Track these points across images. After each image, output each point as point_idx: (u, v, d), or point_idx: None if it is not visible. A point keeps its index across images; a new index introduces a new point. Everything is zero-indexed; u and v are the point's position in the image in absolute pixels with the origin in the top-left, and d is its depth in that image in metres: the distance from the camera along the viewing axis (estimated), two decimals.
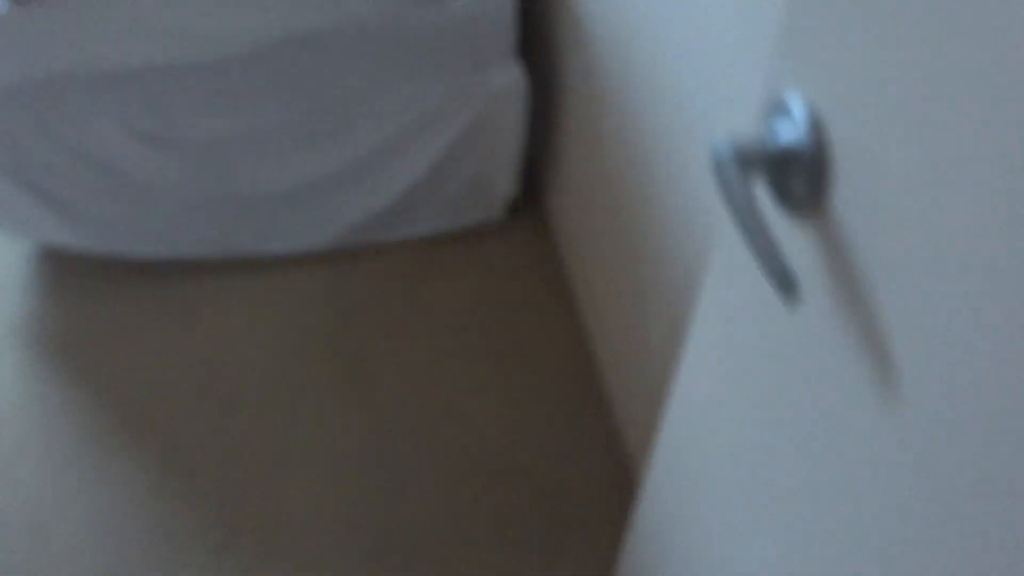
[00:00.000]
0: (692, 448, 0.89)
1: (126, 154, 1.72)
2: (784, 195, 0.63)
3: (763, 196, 0.66)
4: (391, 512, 1.62)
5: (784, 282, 0.56)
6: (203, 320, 1.92)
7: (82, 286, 1.96)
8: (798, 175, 0.61)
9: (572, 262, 1.95)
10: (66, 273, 1.98)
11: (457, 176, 1.91)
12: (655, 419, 1.52)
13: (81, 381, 1.81)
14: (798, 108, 0.61)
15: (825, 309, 0.61)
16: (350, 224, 1.94)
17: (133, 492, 1.63)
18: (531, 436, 1.74)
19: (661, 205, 1.40)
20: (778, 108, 0.63)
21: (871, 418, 0.58)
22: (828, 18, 0.58)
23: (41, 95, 1.62)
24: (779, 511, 0.73)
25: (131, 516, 1.60)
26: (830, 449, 0.63)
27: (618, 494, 1.65)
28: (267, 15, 1.58)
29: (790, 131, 0.61)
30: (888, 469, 0.57)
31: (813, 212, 0.61)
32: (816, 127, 0.59)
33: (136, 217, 1.85)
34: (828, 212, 0.60)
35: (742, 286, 0.72)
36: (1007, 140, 0.44)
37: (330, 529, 1.60)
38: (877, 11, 0.52)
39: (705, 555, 0.90)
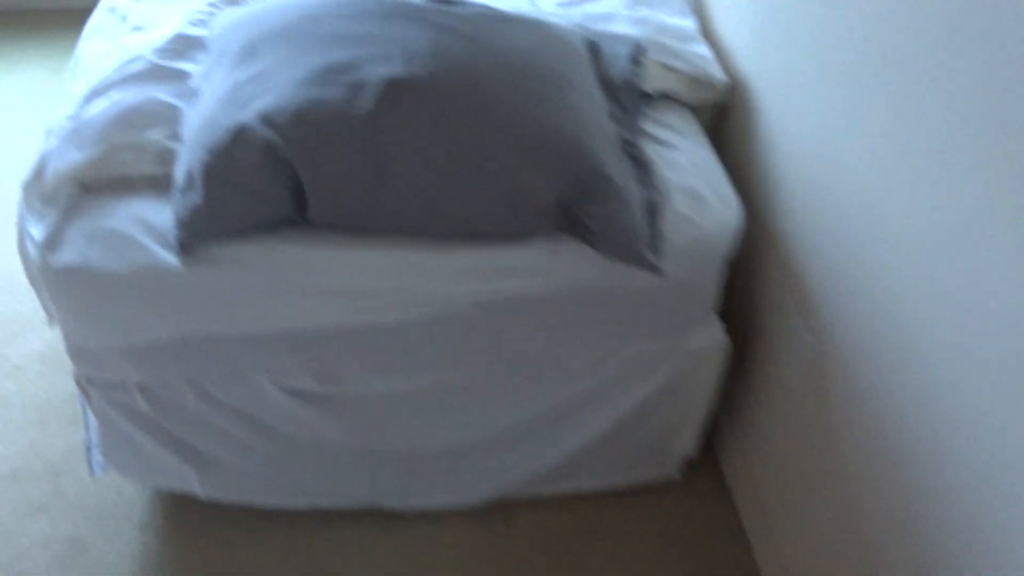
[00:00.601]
0: None
1: (279, 411, 1.53)
2: None
3: None
4: None
5: None
6: None
7: (204, 530, 1.74)
8: None
9: (761, 536, 1.69)
10: (188, 514, 1.76)
11: (637, 435, 1.68)
12: None
13: None
14: None
15: None
16: (509, 483, 1.71)
17: None
18: None
19: (899, 512, 1.15)
20: None
21: None
22: None
23: (198, 350, 1.45)
24: None
25: None
26: None
27: None
28: (460, 283, 1.38)
29: None
30: None
31: None
32: None
33: (276, 469, 1.64)
34: None
35: None
36: None
37: None
38: None
39: None
